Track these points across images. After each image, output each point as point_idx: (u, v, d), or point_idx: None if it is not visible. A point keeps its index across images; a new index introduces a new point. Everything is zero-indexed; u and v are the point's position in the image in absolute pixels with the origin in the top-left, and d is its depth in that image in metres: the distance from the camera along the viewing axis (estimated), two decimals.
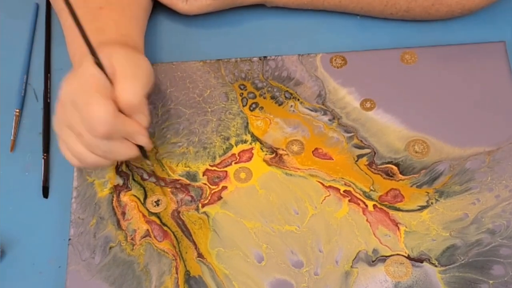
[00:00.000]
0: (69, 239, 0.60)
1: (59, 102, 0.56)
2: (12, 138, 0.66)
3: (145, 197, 0.61)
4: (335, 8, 0.67)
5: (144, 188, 0.62)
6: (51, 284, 0.59)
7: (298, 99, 0.64)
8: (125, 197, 0.61)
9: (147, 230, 0.60)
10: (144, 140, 0.57)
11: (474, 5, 0.64)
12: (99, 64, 0.53)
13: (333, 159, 0.61)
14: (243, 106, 0.65)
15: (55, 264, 0.60)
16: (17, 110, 0.68)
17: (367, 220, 0.58)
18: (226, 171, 0.62)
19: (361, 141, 0.62)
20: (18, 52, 0.71)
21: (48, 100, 0.68)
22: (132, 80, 0.55)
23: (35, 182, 0.64)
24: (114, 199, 0.61)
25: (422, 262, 0.56)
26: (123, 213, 0.61)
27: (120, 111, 0.55)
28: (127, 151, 0.57)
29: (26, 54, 0.71)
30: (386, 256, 0.57)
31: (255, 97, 0.65)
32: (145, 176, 0.62)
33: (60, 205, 0.62)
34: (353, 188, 0.60)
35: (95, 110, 0.53)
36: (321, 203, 0.59)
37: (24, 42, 0.72)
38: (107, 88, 0.54)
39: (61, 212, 0.62)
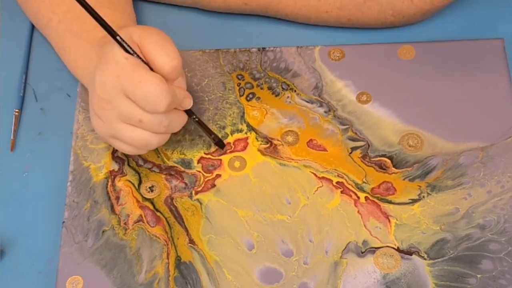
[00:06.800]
0: (63, 222, 0.60)
1: (102, 101, 0.55)
2: (12, 138, 0.67)
3: (140, 183, 0.62)
4: (267, 7, 0.68)
5: (139, 174, 0.62)
6: (50, 284, 0.59)
7: (295, 91, 0.65)
8: (119, 182, 0.62)
9: (140, 215, 0.60)
10: (190, 102, 0.59)
11: (406, 11, 0.64)
12: (125, 46, 0.53)
13: (327, 151, 0.62)
14: (240, 96, 0.65)
15: (55, 264, 0.60)
16: (17, 110, 0.68)
17: (358, 211, 0.59)
18: (220, 160, 0.62)
19: (355, 133, 0.62)
20: (17, 52, 0.71)
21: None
22: (166, 45, 0.55)
23: (35, 182, 0.64)
24: (109, 184, 0.62)
25: (411, 254, 0.56)
26: (117, 198, 0.61)
27: None
28: (182, 118, 0.59)
29: (25, 54, 0.71)
30: (376, 248, 0.57)
31: (252, 87, 0.65)
32: (140, 162, 0.63)
33: (60, 205, 0.62)
34: (345, 180, 0.60)
35: (150, 85, 0.53)
36: (314, 193, 0.60)
37: (23, 42, 0.72)
38: (144, 64, 0.54)
39: (61, 212, 0.62)
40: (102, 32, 0.60)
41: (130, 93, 0.53)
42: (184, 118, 0.59)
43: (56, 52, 0.66)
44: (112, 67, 0.54)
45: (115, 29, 0.54)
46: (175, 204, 0.61)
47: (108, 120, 0.56)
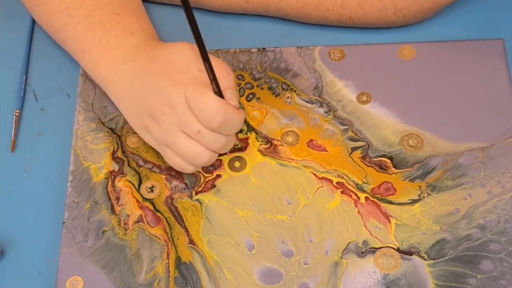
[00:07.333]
0: (63, 222, 0.60)
1: (166, 107, 0.55)
2: (12, 138, 0.67)
3: (140, 183, 0.62)
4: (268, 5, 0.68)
5: (139, 174, 0.62)
6: (50, 284, 0.59)
7: (295, 91, 0.65)
8: (120, 183, 0.62)
9: (140, 215, 0.60)
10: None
11: (408, 9, 0.64)
12: (208, 61, 0.53)
13: (327, 151, 0.62)
14: (240, 96, 0.65)
15: (55, 264, 0.60)
16: (17, 111, 0.68)
17: (358, 212, 0.59)
18: (220, 160, 0.62)
19: (356, 134, 0.62)
20: (18, 52, 0.71)
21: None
22: (216, 58, 0.56)
23: (35, 182, 0.64)
24: (109, 184, 0.62)
25: (411, 255, 0.56)
26: (117, 198, 0.61)
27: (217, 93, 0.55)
28: (233, 140, 0.59)
29: (25, 54, 0.71)
30: (376, 248, 0.57)
31: (252, 87, 0.65)
32: (141, 162, 0.63)
33: (60, 205, 0.62)
34: (345, 180, 0.60)
35: (210, 99, 0.53)
36: (314, 194, 0.60)
37: (23, 42, 0.72)
38: (210, 84, 0.55)
39: (61, 212, 0.62)
40: (135, 39, 0.61)
41: (190, 102, 0.54)
42: (234, 140, 0.59)
43: (71, 54, 0.65)
44: (184, 77, 0.55)
45: (138, 42, 0.58)
46: (175, 205, 0.61)
47: (167, 126, 0.56)
